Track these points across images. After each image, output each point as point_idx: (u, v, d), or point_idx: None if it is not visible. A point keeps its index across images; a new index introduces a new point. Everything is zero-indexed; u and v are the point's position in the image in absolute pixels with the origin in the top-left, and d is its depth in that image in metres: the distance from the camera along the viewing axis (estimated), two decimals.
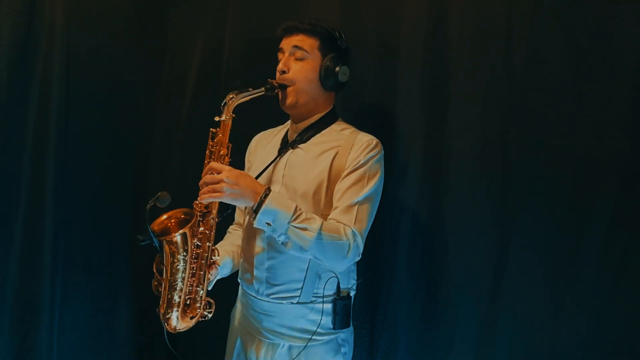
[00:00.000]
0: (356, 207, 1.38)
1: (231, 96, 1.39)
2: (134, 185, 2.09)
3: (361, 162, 1.41)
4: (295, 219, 1.32)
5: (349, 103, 1.76)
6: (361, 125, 1.59)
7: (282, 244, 1.35)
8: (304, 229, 1.32)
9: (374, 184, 1.42)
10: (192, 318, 1.39)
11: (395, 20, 1.74)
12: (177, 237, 1.33)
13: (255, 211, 1.32)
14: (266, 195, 1.32)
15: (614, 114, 1.46)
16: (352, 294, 1.52)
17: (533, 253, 1.57)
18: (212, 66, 2.05)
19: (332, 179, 1.42)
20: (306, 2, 1.90)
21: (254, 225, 1.34)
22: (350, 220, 1.38)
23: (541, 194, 1.55)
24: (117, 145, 2.04)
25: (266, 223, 1.32)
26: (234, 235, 1.65)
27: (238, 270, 1.58)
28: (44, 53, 1.84)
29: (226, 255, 1.53)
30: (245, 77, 1.96)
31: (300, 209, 1.34)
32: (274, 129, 1.65)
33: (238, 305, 1.60)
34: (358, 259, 1.41)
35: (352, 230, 1.37)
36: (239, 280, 1.57)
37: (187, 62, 2.09)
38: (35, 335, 1.86)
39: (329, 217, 1.39)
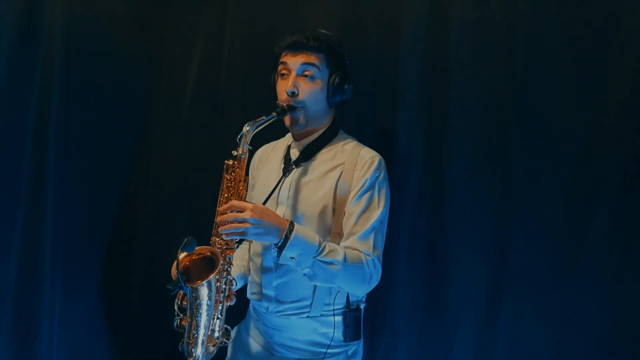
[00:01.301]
0: (372, 233, 1.39)
1: (247, 128, 1.35)
2: (134, 185, 2.09)
3: (368, 183, 1.41)
4: (320, 253, 1.31)
5: (349, 105, 1.75)
6: (361, 126, 1.60)
7: (306, 276, 1.33)
8: (330, 264, 1.31)
9: (384, 205, 1.42)
10: (212, 347, 1.39)
11: (396, 22, 1.74)
12: (204, 286, 1.31)
13: (280, 248, 1.30)
14: (290, 231, 1.30)
15: (614, 114, 1.47)
16: (362, 306, 1.51)
17: (533, 253, 1.57)
18: (212, 66, 2.05)
19: (338, 200, 1.41)
20: (306, 3, 1.89)
21: (279, 261, 1.33)
22: (368, 247, 1.38)
23: (541, 194, 1.55)
24: (117, 145, 2.04)
25: (290, 257, 1.31)
26: (241, 250, 1.62)
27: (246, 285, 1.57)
28: (44, 53, 1.84)
29: (237, 271, 1.51)
30: (245, 77, 1.97)
31: (323, 242, 1.33)
32: (275, 142, 1.63)
33: (249, 320, 1.59)
34: (377, 283, 1.41)
35: (373, 259, 1.37)
36: (248, 297, 1.57)
37: (187, 62, 2.08)
38: (35, 335, 1.86)
39: (346, 244, 1.38)
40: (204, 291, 1.32)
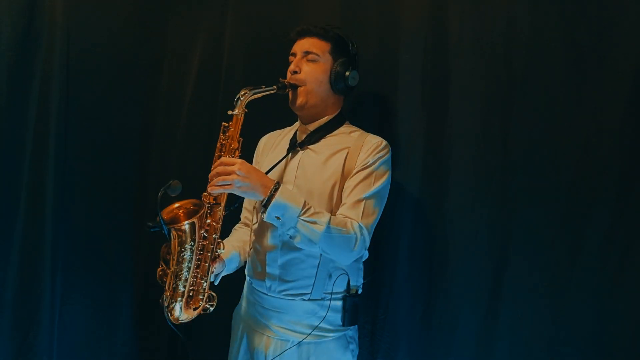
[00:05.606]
0: (363, 202, 1.42)
1: (244, 92, 1.41)
2: (134, 185, 2.09)
3: (370, 162, 1.45)
4: (304, 213, 1.34)
5: (349, 104, 1.76)
6: (361, 126, 1.59)
7: (291, 237, 1.37)
8: (313, 223, 1.34)
9: (381, 182, 1.45)
10: (194, 309, 1.41)
11: (396, 21, 1.74)
12: (186, 226, 1.35)
13: (265, 205, 1.34)
14: (276, 190, 1.34)
15: (614, 114, 1.46)
16: (359, 292, 1.54)
17: (533, 253, 1.57)
18: (212, 66, 2.05)
19: (344, 180, 1.46)
20: (306, 3, 1.90)
21: (264, 219, 1.36)
22: (357, 215, 1.41)
23: (541, 194, 1.55)
24: (117, 145, 2.04)
25: (275, 217, 1.34)
26: (240, 232, 1.66)
27: (245, 267, 1.58)
28: (44, 53, 1.84)
29: (233, 250, 1.54)
30: (245, 77, 1.97)
31: (309, 204, 1.37)
32: (282, 130, 1.67)
33: (243, 304, 1.61)
34: (364, 252, 1.44)
35: (359, 225, 1.39)
36: (247, 278, 1.57)
37: (187, 62, 2.08)
38: (35, 335, 1.87)
39: (337, 212, 1.42)
40: (186, 235, 1.36)
